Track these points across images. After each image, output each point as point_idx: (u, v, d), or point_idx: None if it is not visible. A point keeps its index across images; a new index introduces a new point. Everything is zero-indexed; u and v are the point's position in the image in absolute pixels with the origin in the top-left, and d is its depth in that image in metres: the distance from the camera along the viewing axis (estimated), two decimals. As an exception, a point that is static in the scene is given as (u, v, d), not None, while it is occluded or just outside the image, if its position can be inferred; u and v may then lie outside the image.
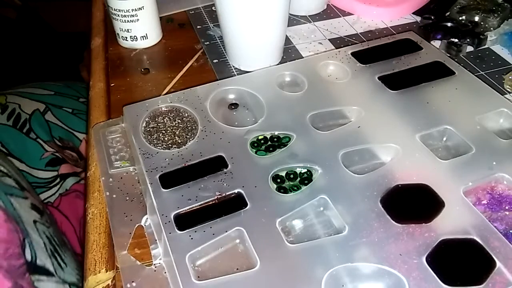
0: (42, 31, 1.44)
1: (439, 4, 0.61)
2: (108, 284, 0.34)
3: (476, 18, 0.56)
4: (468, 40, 0.53)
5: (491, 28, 0.55)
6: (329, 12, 0.62)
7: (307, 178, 0.37)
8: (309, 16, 0.62)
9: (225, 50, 0.54)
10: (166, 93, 0.49)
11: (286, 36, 0.56)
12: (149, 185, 0.36)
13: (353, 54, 0.49)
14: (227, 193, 0.36)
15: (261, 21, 0.48)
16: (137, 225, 0.36)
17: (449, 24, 0.55)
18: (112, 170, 0.40)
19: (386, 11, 0.60)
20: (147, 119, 0.42)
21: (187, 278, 0.30)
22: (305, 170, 0.37)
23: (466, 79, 0.45)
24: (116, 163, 0.41)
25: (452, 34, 0.54)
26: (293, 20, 0.61)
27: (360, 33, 0.58)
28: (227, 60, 0.54)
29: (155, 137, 0.41)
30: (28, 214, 0.52)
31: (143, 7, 0.54)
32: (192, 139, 0.40)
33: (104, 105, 0.49)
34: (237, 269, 0.32)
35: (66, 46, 1.38)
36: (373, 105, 0.43)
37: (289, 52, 0.55)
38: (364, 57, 0.48)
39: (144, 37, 0.57)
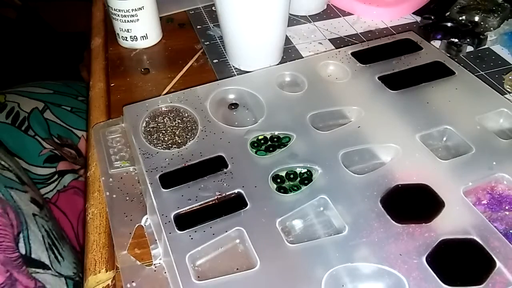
0: (42, 31, 1.44)
1: (439, 4, 0.61)
2: (108, 284, 0.34)
3: (476, 18, 0.56)
4: (468, 40, 0.53)
5: (491, 28, 0.55)
6: (329, 12, 0.62)
7: (307, 178, 0.37)
8: (309, 16, 0.62)
9: (225, 50, 0.54)
10: (166, 93, 0.49)
11: (286, 36, 0.56)
12: (149, 185, 0.36)
13: (353, 54, 0.49)
14: (227, 193, 0.36)
15: (261, 21, 0.48)
16: (137, 225, 0.36)
17: (449, 24, 0.55)
18: (112, 170, 0.40)
19: (386, 11, 0.60)
20: (147, 119, 0.42)
21: (187, 278, 0.30)
22: (305, 170, 0.37)
23: (466, 79, 0.45)
24: (116, 163, 0.41)
25: (452, 34, 0.54)
26: (293, 20, 0.61)
27: (360, 33, 0.58)
28: (227, 60, 0.54)
29: (155, 137, 0.41)
30: (27, 207, 0.53)
31: (143, 7, 0.54)
32: (192, 139, 0.40)
33: (104, 105, 0.49)
34: (237, 269, 0.32)
35: (66, 46, 1.38)
36: (373, 105, 0.43)
37: (289, 52, 0.55)
38: (364, 57, 0.48)
39: (144, 37, 0.57)
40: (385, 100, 0.43)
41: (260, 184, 0.36)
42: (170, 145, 0.40)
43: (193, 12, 0.64)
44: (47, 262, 0.51)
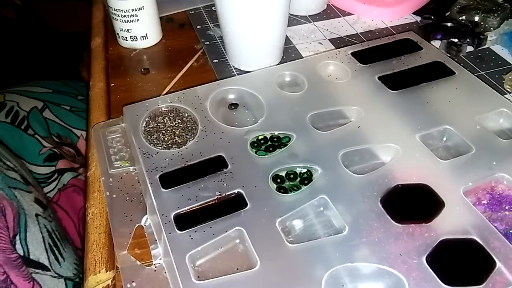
0: (42, 31, 1.44)
1: (439, 4, 0.61)
2: (108, 284, 0.34)
3: (476, 18, 0.56)
4: (468, 40, 0.53)
5: (491, 28, 0.55)
6: (329, 12, 0.62)
7: (307, 178, 0.37)
8: (309, 16, 0.62)
9: (225, 50, 0.54)
10: (166, 93, 0.49)
11: (286, 36, 0.56)
12: (149, 185, 0.36)
13: (353, 54, 0.49)
14: (227, 193, 0.36)
15: (261, 21, 0.48)
16: (137, 225, 0.36)
17: (449, 24, 0.56)
18: (112, 170, 0.40)
19: (386, 11, 0.60)
20: (147, 119, 0.42)
21: (187, 278, 0.30)
22: (305, 170, 0.37)
23: (466, 79, 0.45)
24: (116, 163, 0.41)
25: (452, 34, 0.54)
26: (293, 20, 0.61)
27: (360, 33, 0.58)
28: (227, 60, 0.54)
29: (155, 137, 0.41)
30: (31, 208, 0.53)
31: (143, 7, 0.54)
32: (192, 139, 0.40)
33: (104, 105, 0.49)
34: (237, 269, 0.32)
35: (66, 46, 1.38)
36: (373, 105, 0.43)
37: (289, 52, 0.55)
38: (364, 57, 0.48)
39: (144, 37, 0.57)
40: (385, 100, 0.43)
41: (260, 184, 0.36)
42: (170, 145, 0.40)
43: (193, 12, 0.64)
44: (46, 263, 0.51)
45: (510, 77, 0.48)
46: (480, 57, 0.53)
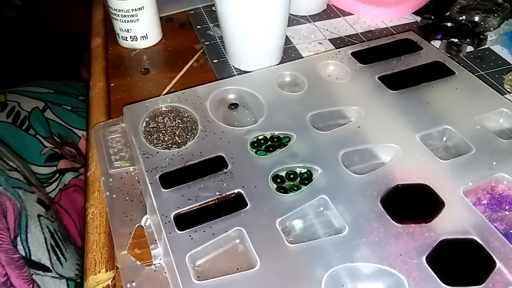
0: (42, 31, 1.44)
1: (439, 4, 0.61)
2: (108, 284, 0.34)
3: (476, 18, 0.56)
4: (468, 40, 0.53)
5: (491, 28, 0.55)
6: (329, 12, 0.62)
7: (307, 178, 0.37)
8: (309, 16, 0.62)
9: (225, 50, 0.54)
10: (166, 93, 0.49)
11: (286, 36, 0.56)
12: (149, 185, 0.36)
13: (353, 54, 0.49)
14: (227, 193, 0.36)
15: (261, 21, 0.48)
16: (137, 225, 0.36)
17: (449, 24, 0.55)
18: (112, 170, 0.40)
19: (386, 11, 0.60)
20: (147, 119, 0.42)
21: (187, 278, 0.30)
22: (305, 170, 0.37)
23: (466, 79, 0.45)
24: (116, 163, 0.41)
25: (452, 34, 0.54)
26: (293, 20, 0.61)
27: (360, 33, 0.58)
28: (227, 60, 0.54)
29: (155, 137, 0.41)
30: (33, 208, 0.53)
31: (143, 7, 0.54)
32: (192, 139, 0.40)
33: (104, 105, 0.49)
34: (237, 269, 0.32)
35: (66, 46, 1.38)
36: (373, 105, 0.43)
37: (289, 52, 0.55)
38: (364, 57, 0.48)
39: (144, 37, 0.57)
40: (385, 100, 0.43)
41: (260, 184, 0.36)
42: (170, 145, 0.40)
43: (193, 12, 0.64)
44: (48, 264, 0.51)
45: (510, 77, 0.48)
46: (480, 57, 0.53)
